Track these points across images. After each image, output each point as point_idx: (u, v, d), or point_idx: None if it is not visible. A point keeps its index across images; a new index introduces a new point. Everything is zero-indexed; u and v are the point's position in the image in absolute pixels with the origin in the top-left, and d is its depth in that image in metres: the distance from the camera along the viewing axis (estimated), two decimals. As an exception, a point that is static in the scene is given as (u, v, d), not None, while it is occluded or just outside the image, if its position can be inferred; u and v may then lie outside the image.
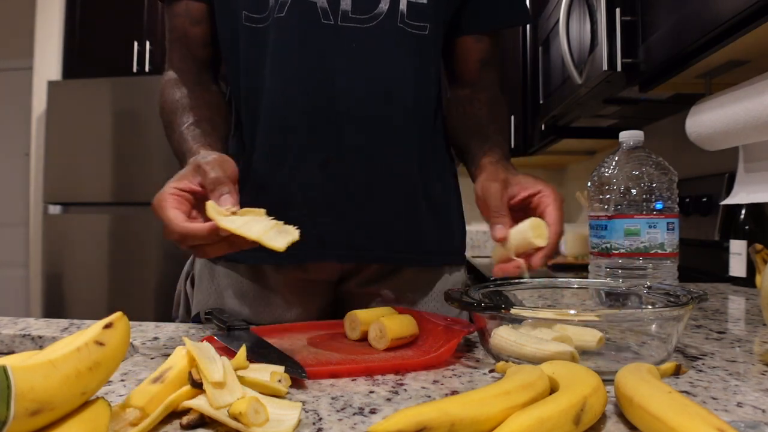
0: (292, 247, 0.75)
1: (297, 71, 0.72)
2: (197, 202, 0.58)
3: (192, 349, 0.38)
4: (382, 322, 0.58)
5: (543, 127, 2.15)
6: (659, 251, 0.77)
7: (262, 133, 0.75)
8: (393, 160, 0.75)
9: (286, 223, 0.61)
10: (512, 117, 2.66)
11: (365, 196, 0.74)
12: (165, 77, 0.80)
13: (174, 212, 0.54)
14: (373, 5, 0.72)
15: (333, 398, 0.44)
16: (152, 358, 0.56)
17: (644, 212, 0.77)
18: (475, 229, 3.33)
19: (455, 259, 0.85)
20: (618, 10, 1.19)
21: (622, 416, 0.39)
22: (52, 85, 2.87)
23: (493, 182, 0.66)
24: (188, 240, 0.54)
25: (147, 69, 2.92)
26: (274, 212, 0.74)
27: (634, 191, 0.78)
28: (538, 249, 0.60)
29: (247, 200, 0.72)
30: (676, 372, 0.45)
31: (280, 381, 0.42)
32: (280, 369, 0.43)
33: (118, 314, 0.35)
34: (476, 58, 0.84)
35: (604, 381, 0.46)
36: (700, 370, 0.50)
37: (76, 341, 0.32)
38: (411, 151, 0.76)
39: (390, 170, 0.75)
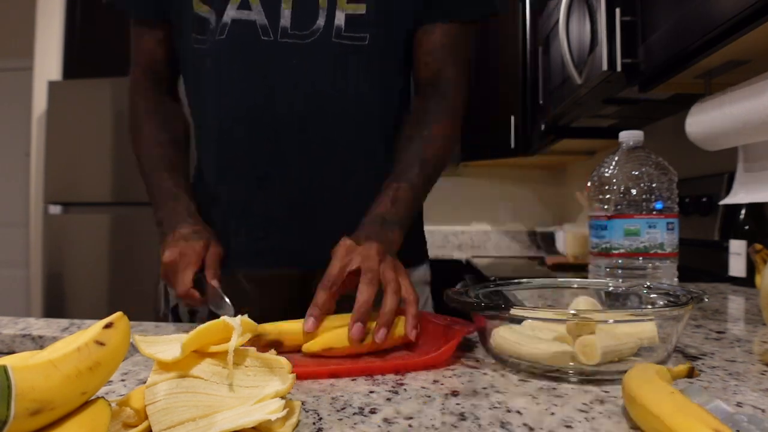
0: (251, 257, 0.78)
1: (238, 89, 0.74)
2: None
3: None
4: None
5: (543, 127, 2.15)
6: (659, 251, 0.77)
7: (208, 149, 0.79)
8: (334, 175, 0.76)
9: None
10: (512, 117, 2.66)
11: (309, 210, 0.77)
12: (132, 92, 0.83)
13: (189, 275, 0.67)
14: (311, 21, 0.73)
15: (333, 398, 0.44)
16: (152, 358, 0.56)
17: (644, 212, 0.77)
18: (475, 229, 3.33)
19: (412, 258, 0.85)
20: (618, 10, 1.19)
21: (624, 415, 0.39)
22: (52, 85, 2.87)
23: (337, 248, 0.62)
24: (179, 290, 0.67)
25: (147, 69, 2.92)
26: (223, 223, 0.78)
27: (634, 191, 0.78)
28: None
29: (204, 211, 0.79)
30: (690, 374, 0.42)
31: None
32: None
33: (118, 314, 0.35)
34: (424, 50, 0.79)
35: (605, 380, 0.46)
36: (700, 370, 0.50)
37: (76, 341, 0.32)
38: (353, 165, 0.77)
39: (331, 184, 0.77)
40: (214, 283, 0.67)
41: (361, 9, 0.73)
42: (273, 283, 0.80)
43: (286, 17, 0.72)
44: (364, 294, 0.56)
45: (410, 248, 0.86)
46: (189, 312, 0.82)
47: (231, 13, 0.73)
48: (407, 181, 0.72)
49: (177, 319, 0.84)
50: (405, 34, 0.79)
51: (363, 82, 0.75)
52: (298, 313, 0.65)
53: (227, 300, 0.65)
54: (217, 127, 0.77)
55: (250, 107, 0.74)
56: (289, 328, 0.58)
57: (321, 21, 0.73)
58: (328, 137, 0.75)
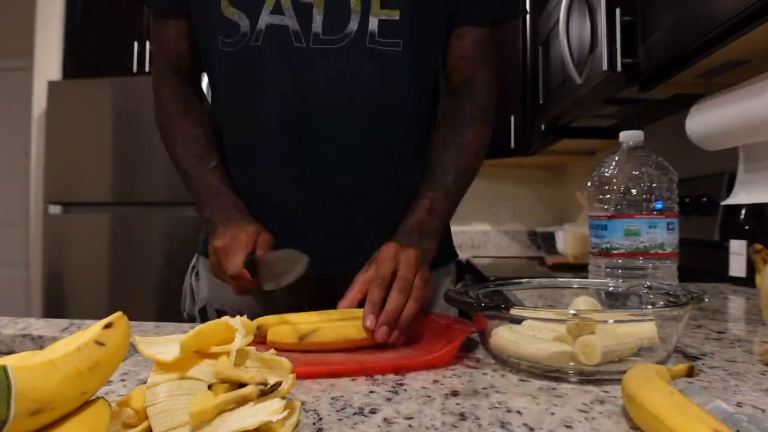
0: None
1: (273, 95, 0.74)
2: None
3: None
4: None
5: (543, 127, 2.15)
6: (659, 251, 0.77)
7: (239, 150, 0.79)
8: (361, 175, 0.76)
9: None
10: (512, 117, 2.66)
11: (341, 212, 0.76)
12: (158, 92, 0.82)
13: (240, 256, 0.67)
14: (343, 25, 0.72)
15: (333, 398, 0.44)
16: (152, 358, 0.56)
17: (644, 212, 0.77)
18: (475, 229, 3.33)
19: (444, 256, 0.86)
20: (618, 10, 1.19)
21: (624, 415, 0.39)
22: (52, 85, 2.87)
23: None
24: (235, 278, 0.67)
25: (147, 69, 2.92)
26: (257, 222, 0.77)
27: (634, 191, 0.78)
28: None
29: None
30: (689, 374, 0.42)
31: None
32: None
33: (118, 314, 0.35)
34: (457, 55, 0.81)
35: (605, 380, 0.46)
36: (700, 370, 0.50)
37: (76, 341, 0.32)
38: (384, 170, 0.77)
39: (362, 188, 0.76)
40: (263, 254, 0.68)
41: (394, 15, 0.73)
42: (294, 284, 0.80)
43: (317, 23, 0.72)
44: (394, 301, 0.59)
45: (442, 246, 0.86)
46: (217, 312, 0.82)
47: (266, 18, 0.72)
48: (443, 190, 0.75)
49: (205, 320, 0.83)
50: (437, 41, 0.79)
51: (395, 88, 0.75)
52: (325, 306, 0.66)
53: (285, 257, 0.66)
54: (250, 130, 0.77)
55: (285, 112, 0.74)
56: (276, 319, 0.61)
57: (353, 25, 0.72)
58: (360, 142, 0.75)
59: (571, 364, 0.47)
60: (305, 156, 0.75)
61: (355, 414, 0.40)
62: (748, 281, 1.13)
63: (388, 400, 0.43)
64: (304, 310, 0.64)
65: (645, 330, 0.50)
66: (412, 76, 0.77)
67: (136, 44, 2.94)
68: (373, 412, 0.41)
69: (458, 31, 0.80)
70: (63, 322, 0.73)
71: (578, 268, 1.96)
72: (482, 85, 0.81)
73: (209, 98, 0.85)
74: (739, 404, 0.41)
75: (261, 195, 0.78)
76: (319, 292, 0.81)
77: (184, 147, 0.79)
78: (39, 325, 0.72)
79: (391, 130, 0.76)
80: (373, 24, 0.73)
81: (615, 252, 0.78)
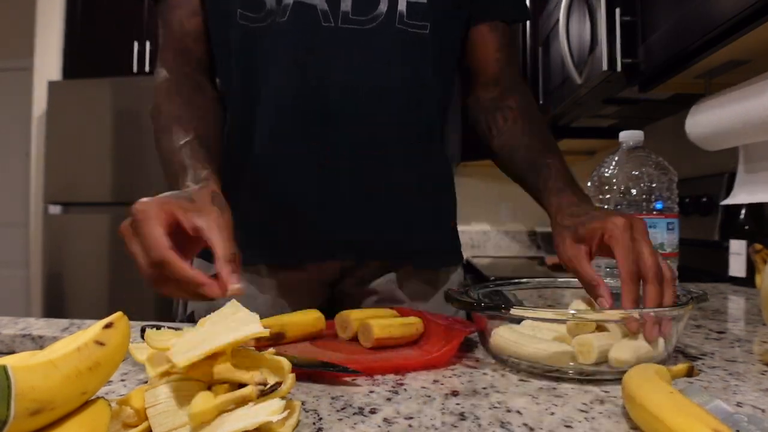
0: (294, 249, 0.76)
1: (295, 75, 0.72)
2: (180, 236, 0.50)
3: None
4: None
5: (543, 127, 2.15)
6: (659, 251, 0.77)
7: (258, 136, 0.74)
8: (386, 162, 0.74)
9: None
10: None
11: (361, 197, 0.74)
12: (158, 78, 0.76)
13: (160, 231, 0.47)
14: (373, 6, 0.72)
15: (333, 398, 0.44)
16: (152, 358, 0.56)
17: (644, 212, 0.77)
18: (475, 229, 3.33)
19: (452, 258, 0.85)
20: (618, 10, 1.19)
21: (624, 416, 0.39)
22: (52, 85, 2.87)
23: (572, 251, 0.60)
24: (163, 269, 0.47)
25: (147, 69, 2.92)
26: (272, 213, 0.75)
27: (634, 191, 0.78)
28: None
29: (244, 203, 0.74)
30: (689, 374, 0.42)
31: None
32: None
33: (118, 314, 0.35)
34: (494, 47, 0.82)
35: (605, 380, 0.46)
36: (700, 370, 0.50)
37: (76, 341, 0.32)
38: (404, 153, 0.75)
39: (383, 172, 0.75)
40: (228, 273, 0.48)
41: None
42: (305, 281, 0.79)
43: (347, 2, 0.71)
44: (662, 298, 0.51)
45: (452, 248, 0.86)
46: None
47: None
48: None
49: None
50: (461, 28, 0.80)
51: (421, 71, 0.75)
52: (327, 315, 0.65)
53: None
54: (269, 112, 0.73)
55: (307, 92, 0.71)
56: (290, 320, 0.61)
57: (383, 7, 0.72)
58: (382, 124, 0.73)
59: (571, 363, 0.47)
60: (326, 142, 0.72)
61: (355, 414, 0.40)
62: (748, 281, 1.13)
63: (388, 400, 0.43)
64: None
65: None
66: (437, 60, 0.77)
67: (136, 44, 2.94)
68: (373, 412, 0.41)
69: (490, 25, 0.81)
70: (63, 322, 0.73)
71: (578, 268, 1.95)
72: (519, 80, 0.83)
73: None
74: (739, 404, 0.41)
75: (283, 186, 0.74)
76: (321, 294, 0.81)
77: (164, 124, 0.69)
78: (39, 325, 0.72)
79: (414, 114, 0.75)
80: (402, 5, 0.72)
81: (615, 252, 0.78)
